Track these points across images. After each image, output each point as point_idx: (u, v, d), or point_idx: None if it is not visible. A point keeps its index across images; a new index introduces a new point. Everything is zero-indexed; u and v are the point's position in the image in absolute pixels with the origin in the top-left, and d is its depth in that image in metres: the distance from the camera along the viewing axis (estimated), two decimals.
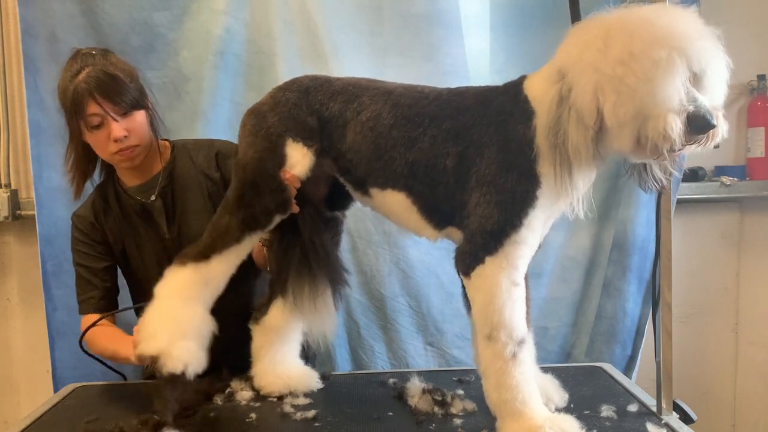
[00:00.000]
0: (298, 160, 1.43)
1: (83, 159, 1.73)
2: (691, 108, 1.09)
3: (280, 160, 1.43)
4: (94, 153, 1.72)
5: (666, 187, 1.31)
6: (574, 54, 1.17)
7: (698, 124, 1.09)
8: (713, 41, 1.12)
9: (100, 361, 1.76)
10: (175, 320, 1.38)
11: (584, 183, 1.23)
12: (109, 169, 1.80)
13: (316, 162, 1.45)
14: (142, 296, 1.76)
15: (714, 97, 1.14)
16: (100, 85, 1.58)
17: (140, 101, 1.67)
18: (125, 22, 2.10)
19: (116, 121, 1.61)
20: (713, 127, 1.10)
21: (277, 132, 1.43)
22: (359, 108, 1.40)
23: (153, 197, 1.75)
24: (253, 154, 1.44)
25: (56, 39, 2.10)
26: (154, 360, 1.35)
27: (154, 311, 1.40)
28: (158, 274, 1.58)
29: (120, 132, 1.61)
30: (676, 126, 1.08)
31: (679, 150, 1.12)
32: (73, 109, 1.60)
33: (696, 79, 1.11)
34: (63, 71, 1.65)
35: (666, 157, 1.15)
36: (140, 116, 1.67)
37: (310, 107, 1.44)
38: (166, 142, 1.83)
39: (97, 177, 1.82)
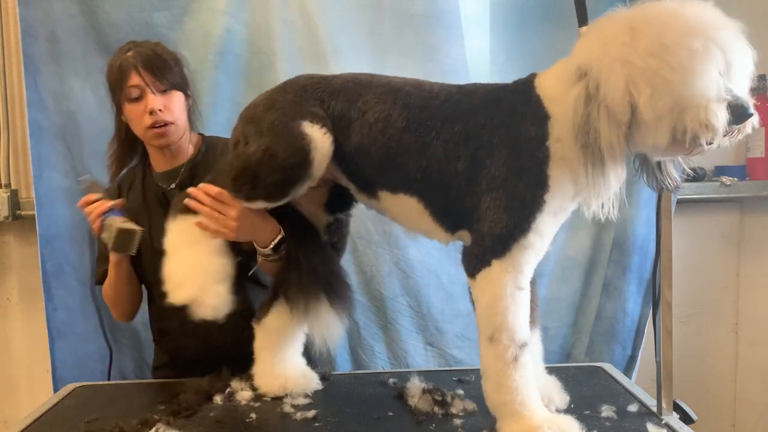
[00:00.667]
0: (319, 139, 1.34)
1: (125, 146, 1.80)
2: (729, 97, 1.07)
3: (298, 138, 1.33)
4: (135, 141, 1.77)
5: (681, 186, 1.29)
6: (596, 50, 1.14)
7: (738, 114, 1.07)
8: (739, 33, 1.11)
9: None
10: (200, 266, 1.40)
11: (616, 181, 1.19)
12: (144, 157, 1.84)
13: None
14: (151, 285, 1.79)
15: (742, 88, 1.12)
16: (145, 59, 1.67)
17: (181, 85, 1.73)
18: (125, 22, 2.10)
19: (154, 94, 1.66)
20: (751, 116, 1.09)
21: (284, 121, 1.35)
22: (364, 107, 1.35)
23: (173, 185, 1.77)
24: (260, 146, 1.36)
25: (56, 39, 2.10)
26: (186, 307, 1.38)
27: (175, 260, 1.42)
28: None
29: (156, 104, 1.66)
30: (721, 115, 1.06)
31: (713, 141, 1.10)
32: (117, 81, 1.68)
33: (726, 70, 1.09)
34: (113, 54, 1.74)
35: (704, 150, 1.12)
36: (179, 97, 1.72)
37: (313, 99, 1.39)
38: (199, 136, 1.85)
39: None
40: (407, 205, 1.37)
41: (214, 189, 1.44)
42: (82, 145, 2.14)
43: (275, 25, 2.11)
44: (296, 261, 1.51)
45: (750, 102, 1.09)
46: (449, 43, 2.13)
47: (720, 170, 2.38)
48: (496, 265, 1.24)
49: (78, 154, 2.14)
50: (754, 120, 1.11)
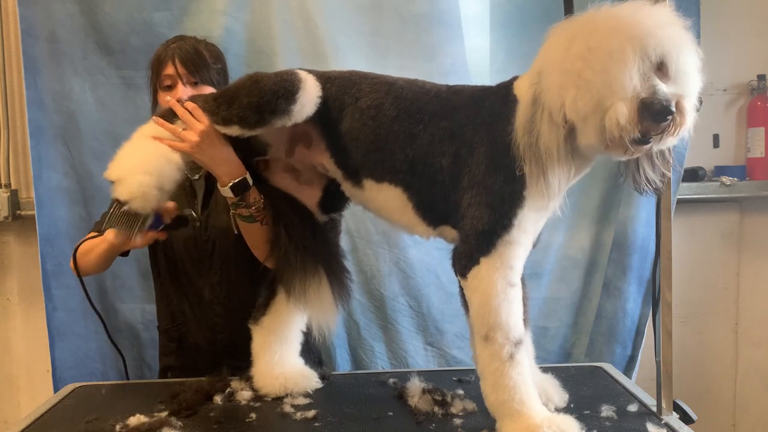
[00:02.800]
0: (311, 84, 1.38)
1: None
2: (643, 94, 1.08)
3: (289, 74, 1.38)
4: None
5: (660, 189, 1.30)
6: (548, 54, 1.19)
7: (653, 110, 1.07)
8: (678, 31, 1.11)
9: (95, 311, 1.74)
10: (140, 156, 1.44)
11: (561, 182, 1.21)
12: None
13: (309, 133, 1.44)
14: (164, 275, 1.80)
15: (681, 86, 1.12)
16: (183, 53, 1.74)
17: (216, 81, 1.77)
18: (125, 22, 2.10)
19: (184, 85, 1.73)
20: (671, 113, 1.08)
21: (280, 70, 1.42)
22: (358, 94, 1.39)
23: (197, 176, 1.79)
24: (249, 75, 1.43)
25: (56, 39, 2.10)
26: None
27: (129, 145, 1.47)
28: (184, 254, 1.70)
29: (184, 94, 1.70)
30: (623, 113, 1.07)
31: (643, 140, 1.10)
32: (155, 68, 1.77)
33: (660, 69, 1.10)
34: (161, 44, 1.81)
35: (632, 150, 1.13)
36: (210, 92, 1.73)
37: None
38: None
39: None
40: (391, 195, 1.39)
41: (191, 104, 1.48)
42: (82, 145, 2.14)
43: (275, 25, 2.11)
44: (295, 237, 1.53)
45: (673, 99, 1.08)
46: (449, 43, 2.13)
47: (720, 170, 2.38)
48: (485, 263, 1.25)
49: (78, 154, 2.14)
50: (689, 117, 1.12)
